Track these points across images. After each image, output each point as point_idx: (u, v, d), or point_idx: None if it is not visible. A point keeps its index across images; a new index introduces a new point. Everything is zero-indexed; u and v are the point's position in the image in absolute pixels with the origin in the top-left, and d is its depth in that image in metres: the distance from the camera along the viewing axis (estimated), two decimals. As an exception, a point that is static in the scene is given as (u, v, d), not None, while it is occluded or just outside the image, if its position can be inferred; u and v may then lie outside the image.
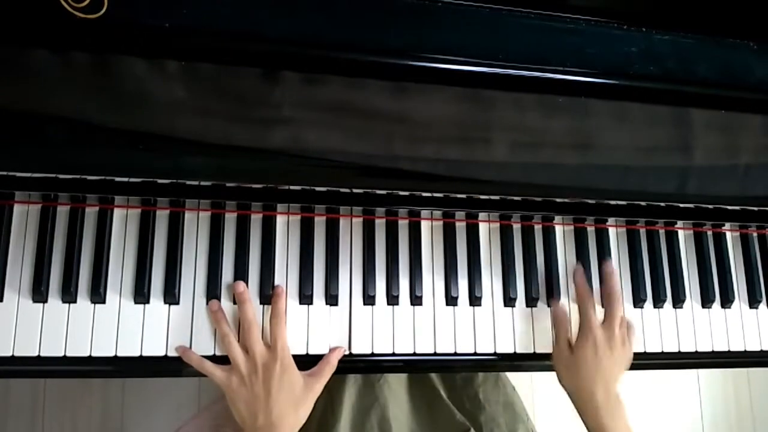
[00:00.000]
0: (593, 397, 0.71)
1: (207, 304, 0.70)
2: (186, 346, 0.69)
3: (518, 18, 0.64)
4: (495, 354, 0.76)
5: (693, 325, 0.82)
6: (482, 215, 0.78)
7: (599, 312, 0.77)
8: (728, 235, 0.87)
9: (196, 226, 0.72)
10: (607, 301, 0.77)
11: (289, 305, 0.72)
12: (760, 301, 0.85)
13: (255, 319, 0.69)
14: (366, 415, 0.80)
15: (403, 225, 0.76)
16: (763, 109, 0.70)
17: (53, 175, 0.61)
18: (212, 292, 0.70)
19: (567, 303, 0.79)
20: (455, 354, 0.75)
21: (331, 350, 0.71)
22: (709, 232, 0.86)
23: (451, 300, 0.76)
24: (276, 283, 0.72)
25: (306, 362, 0.70)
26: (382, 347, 0.73)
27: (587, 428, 0.72)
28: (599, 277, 0.80)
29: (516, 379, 0.89)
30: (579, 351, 0.73)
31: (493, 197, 0.73)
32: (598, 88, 0.66)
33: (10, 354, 0.65)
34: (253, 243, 0.72)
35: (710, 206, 0.78)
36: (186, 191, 0.68)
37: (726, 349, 0.83)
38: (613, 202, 0.75)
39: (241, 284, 0.70)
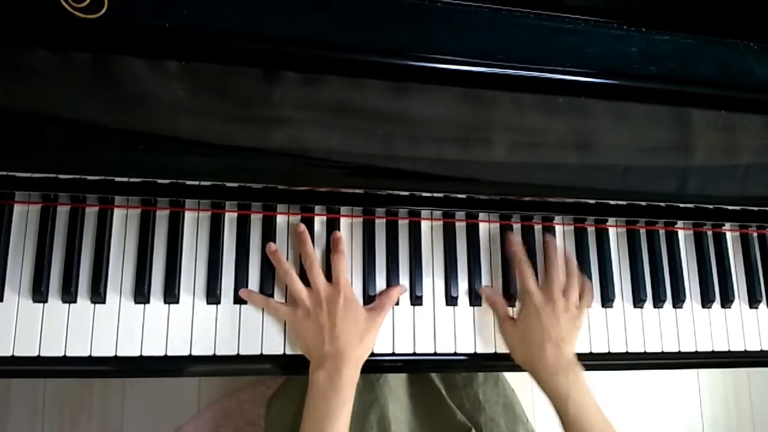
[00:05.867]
0: (544, 357, 0.70)
1: (207, 304, 0.70)
2: (251, 290, 0.70)
3: (518, 18, 0.64)
4: (495, 354, 0.76)
5: (693, 325, 0.82)
6: (482, 215, 0.78)
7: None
8: (728, 235, 0.87)
9: (196, 226, 0.72)
10: (546, 267, 0.77)
11: (289, 305, 0.71)
12: (760, 301, 0.85)
13: (315, 254, 0.71)
14: (365, 414, 0.80)
15: (403, 225, 0.76)
16: (763, 109, 0.70)
17: (53, 175, 0.61)
18: (212, 292, 0.70)
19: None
20: (455, 354, 0.75)
21: (391, 286, 0.73)
22: (709, 232, 0.86)
23: (451, 300, 0.76)
24: (275, 283, 0.72)
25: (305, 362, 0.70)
26: (383, 347, 0.73)
27: (549, 398, 0.70)
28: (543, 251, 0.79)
29: (516, 380, 0.89)
30: (522, 318, 0.74)
31: (493, 197, 0.73)
32: (598, 88, 0.66)
33: (10, 354, 0.65)
34: (253, 243, 0.72)
35: (710, 206, 0.78)
36: (186, 191, 0.68)
37: (726, 349, 0.83)
38: (613, 202, 0.75)
39: (301, 225, 0.72)
